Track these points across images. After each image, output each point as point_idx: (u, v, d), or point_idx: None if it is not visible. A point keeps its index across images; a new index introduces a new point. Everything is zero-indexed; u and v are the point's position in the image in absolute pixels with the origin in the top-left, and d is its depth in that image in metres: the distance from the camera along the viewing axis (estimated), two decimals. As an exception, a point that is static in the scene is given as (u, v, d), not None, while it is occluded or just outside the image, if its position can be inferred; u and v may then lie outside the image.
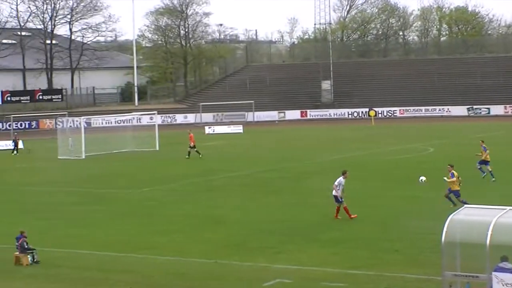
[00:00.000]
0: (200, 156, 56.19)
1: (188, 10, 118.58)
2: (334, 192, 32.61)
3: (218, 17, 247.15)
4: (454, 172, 34.25)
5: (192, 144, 57.28)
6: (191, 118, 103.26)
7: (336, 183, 32.68)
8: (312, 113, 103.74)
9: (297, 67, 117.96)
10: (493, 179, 41.41)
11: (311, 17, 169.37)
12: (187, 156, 56.72)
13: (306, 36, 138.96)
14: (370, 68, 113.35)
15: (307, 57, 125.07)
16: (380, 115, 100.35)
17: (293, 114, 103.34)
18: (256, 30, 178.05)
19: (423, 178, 37.23)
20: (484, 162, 42.28)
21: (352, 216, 32.34)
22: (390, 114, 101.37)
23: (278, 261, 25.99)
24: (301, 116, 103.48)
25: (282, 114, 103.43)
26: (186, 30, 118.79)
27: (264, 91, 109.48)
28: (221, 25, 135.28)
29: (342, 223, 31.83)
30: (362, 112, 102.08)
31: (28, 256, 26.25)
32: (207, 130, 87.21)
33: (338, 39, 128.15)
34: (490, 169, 41.94)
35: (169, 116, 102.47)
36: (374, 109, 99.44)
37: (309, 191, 40.92)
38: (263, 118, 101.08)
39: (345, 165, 37.98)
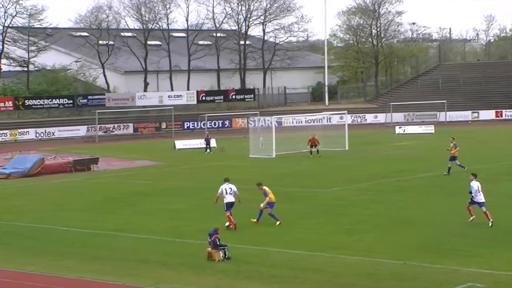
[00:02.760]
0: (318, 155, 56.89)
1: (380, 9, 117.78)
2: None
3: (411, 15, 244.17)
4: None
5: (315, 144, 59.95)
6: (381, 118, 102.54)
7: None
8: (507, 113, 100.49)
9: (492, 66, 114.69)
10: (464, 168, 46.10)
11: (510, 14, 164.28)
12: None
13: (503, 34, 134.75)
14: None
15: (503, 56, 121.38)
16: None
17: (487, 114, 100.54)
18: (450, 29, 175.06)
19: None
20: (453, 158, 47.62)
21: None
22: None
23: (470, 264, 25.31)
24: (496, 116, 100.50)
25: (475, 114, 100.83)
26: (378, 29, 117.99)
27: (457, 91, 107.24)
28: (413, 23, 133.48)
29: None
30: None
31: (220, 252, 26.83)
32: (397, 130, 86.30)
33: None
34: (458, 163, 47.30)
35: (359, 116, 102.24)
36: None
37: (505, 193, 39.61)
38: (456, 118, 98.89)
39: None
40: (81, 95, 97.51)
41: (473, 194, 31.62)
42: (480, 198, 31.52)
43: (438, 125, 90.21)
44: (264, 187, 33.59)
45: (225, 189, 32.90)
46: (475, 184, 31.67)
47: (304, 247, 28.58)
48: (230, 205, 32.69)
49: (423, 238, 29.57)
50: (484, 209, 31.31)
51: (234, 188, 33.08)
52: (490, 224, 30.95)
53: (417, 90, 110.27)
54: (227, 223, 32.29)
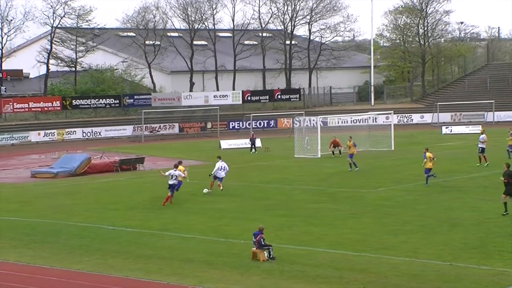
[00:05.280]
0: (357, 169, 52.32)
1: (428, 9, 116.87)
2: None
3: (459, 15, 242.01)
4: None
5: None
6: (427, 118, 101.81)
7: None
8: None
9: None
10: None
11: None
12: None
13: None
14: None
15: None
16: None
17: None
18: (498, 28, 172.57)
19: (205, 190, 43.23)
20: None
21: None
22: None
23: (517, 266, 25.06)
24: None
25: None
26: (425, 28, 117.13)
27: (505, 91, 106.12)
28: (462, 23, 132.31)
29: None
30: None
31: (265, 252, 26.84)
32: (444, 130, 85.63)
33: None
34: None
35: (405, 116, 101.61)
36: None
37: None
38: (504, 118, 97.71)
39: None
40: (128, 95, 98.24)
41: None
42: None
43: (486, 125, 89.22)
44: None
45: (220, 166, 42.98)
46: None
47: (349, 247, 28.50)
48: (220, 179, 42.98)
49: (469, 239, 29.32)
50: None
51: (227, 167, 43.42)
52: None
53: (464, 90, 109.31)
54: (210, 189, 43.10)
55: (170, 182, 40.12)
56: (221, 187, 43.02)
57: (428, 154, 43.56)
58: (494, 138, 64.35)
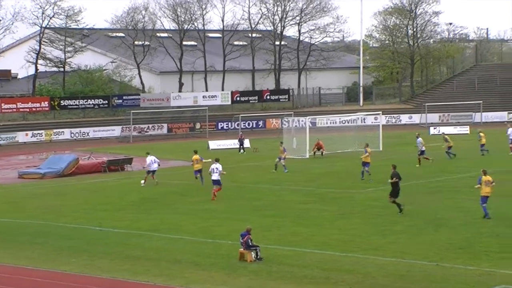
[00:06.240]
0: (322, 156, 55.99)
1: (417, 10, 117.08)
2: None
3: (448, 16, 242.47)
4: None
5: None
6: (416, 118, 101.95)
7: None
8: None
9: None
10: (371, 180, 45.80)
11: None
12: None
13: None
14: None
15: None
16: None
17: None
18: (487, 29, 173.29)
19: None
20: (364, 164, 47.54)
21: None
22: None
23: (504, 266, 25.16)
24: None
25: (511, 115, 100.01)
26: (415, 29, 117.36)
27: (493, 91, 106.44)
28: (450, 24, 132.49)
29: None
30: None
31: (252, 252, 26.88)
32: (432, 130, 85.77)
33: None
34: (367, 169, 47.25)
35: (393, 116, 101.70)
36: None
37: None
38: (491, 119, 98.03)
39: None
40: (116, 96, 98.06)
41: None
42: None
43: (474, 126, 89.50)
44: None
45: (213, 168, 41.31)
46: None
47: (336, 248, 28.58)
48: (214, 182, 41.27)
49: (456, 239, 29.44)
50: None
51: (220, 168, 41.39)
52: None
53: (452, 90, 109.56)
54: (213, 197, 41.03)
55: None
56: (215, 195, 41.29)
57: (484, 177, 33.99)
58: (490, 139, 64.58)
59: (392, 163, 37.85)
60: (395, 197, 35.68)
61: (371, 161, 47.98)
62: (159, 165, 48.54)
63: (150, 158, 47.95)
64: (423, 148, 55.03)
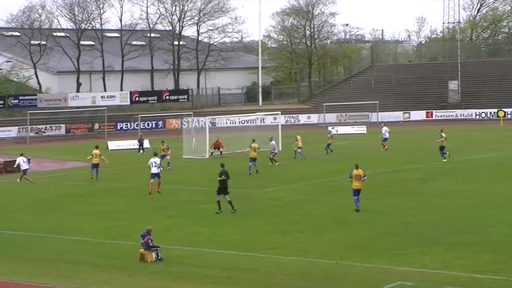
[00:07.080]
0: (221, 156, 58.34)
1: (314, 10, 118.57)
2: None
3: (344, 17, 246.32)
4: None
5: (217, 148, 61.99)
6: (314, 118, 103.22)
7: None
8: (438, 114, 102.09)
9: (423, 67, 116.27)
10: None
11: (440, 16, 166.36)
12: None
13: (434, 36, 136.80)
14: (500, 68, 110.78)
15: (434, 57, 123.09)
16: (509, 115, 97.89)
17: (418, 115, 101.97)
18: (382, 30, 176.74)
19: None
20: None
21: None
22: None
23: (400, 263, 25.69)
24: (427, 116, 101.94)
25: (407, 115, 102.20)
26: (312, 30, 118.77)
27: (389, 92, 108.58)
28: (347, 25, 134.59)
29: (469, 226, 31.23)
30: (490, 112, 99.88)
31: (153, 253, 26.77)
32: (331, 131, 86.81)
33: (467, 38, 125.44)
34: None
35: (292, 116, 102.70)
36: (504, 109, 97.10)
37: (433, 193, 40.26)
38: (387, 118, 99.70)
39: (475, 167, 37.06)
40: (12, 96, 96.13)
41: None
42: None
43: (370, 126, 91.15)
44: None
45: (152, 162, 43.05)
46: None
47: (237, 248, 28.68)
48: (154, 175, 42.85)
49: (355, 237, 29.91)
50: None
51: (158, 161, 43.47)
52: None
53: (350, 91, 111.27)
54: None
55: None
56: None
57: (356, 171, 36.68)
58: (379, 139, 65.68)
59: (221, 162, 38.62)
60: (224, 193, 36.27)
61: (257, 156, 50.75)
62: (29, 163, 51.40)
63: (19, 159, 50.29)
64: (276, 151, 56.77)
